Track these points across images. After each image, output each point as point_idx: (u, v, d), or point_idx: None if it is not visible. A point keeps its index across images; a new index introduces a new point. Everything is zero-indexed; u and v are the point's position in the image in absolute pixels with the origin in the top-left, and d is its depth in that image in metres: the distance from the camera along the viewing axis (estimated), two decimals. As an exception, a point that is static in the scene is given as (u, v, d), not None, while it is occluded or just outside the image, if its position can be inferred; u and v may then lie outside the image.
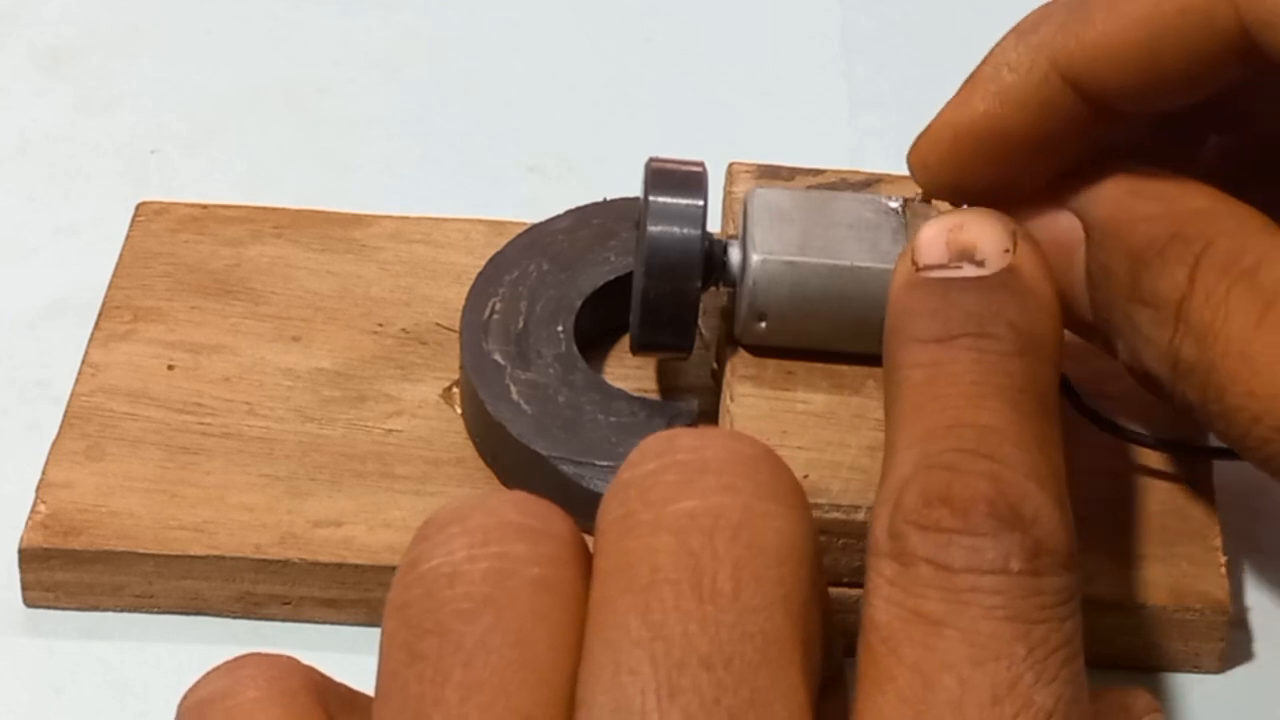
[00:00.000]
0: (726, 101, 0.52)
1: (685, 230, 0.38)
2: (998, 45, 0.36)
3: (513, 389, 0.40)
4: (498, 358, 0.40)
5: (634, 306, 0.40)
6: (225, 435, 0.40)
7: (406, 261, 0.44)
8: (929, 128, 0.36)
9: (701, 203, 0.39)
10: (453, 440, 0.41)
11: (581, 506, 0.38)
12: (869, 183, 0.43)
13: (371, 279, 0.44)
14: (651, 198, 0.39)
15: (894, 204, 0.40)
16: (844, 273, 0.39)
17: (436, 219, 0.45)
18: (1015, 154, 0.36)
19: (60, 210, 0.48)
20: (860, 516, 0.37)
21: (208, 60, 0.53)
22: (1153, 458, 0.41)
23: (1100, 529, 0.39)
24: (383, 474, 0.40)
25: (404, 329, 0.43)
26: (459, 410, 0.41)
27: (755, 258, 0.39)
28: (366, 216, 0.45)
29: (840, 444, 0.38)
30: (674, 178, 0.39)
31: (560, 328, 0.41)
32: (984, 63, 0.36)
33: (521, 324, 0.41)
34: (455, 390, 0.41)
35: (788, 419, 0.39)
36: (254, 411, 0.41)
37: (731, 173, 0.43)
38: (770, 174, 0.43)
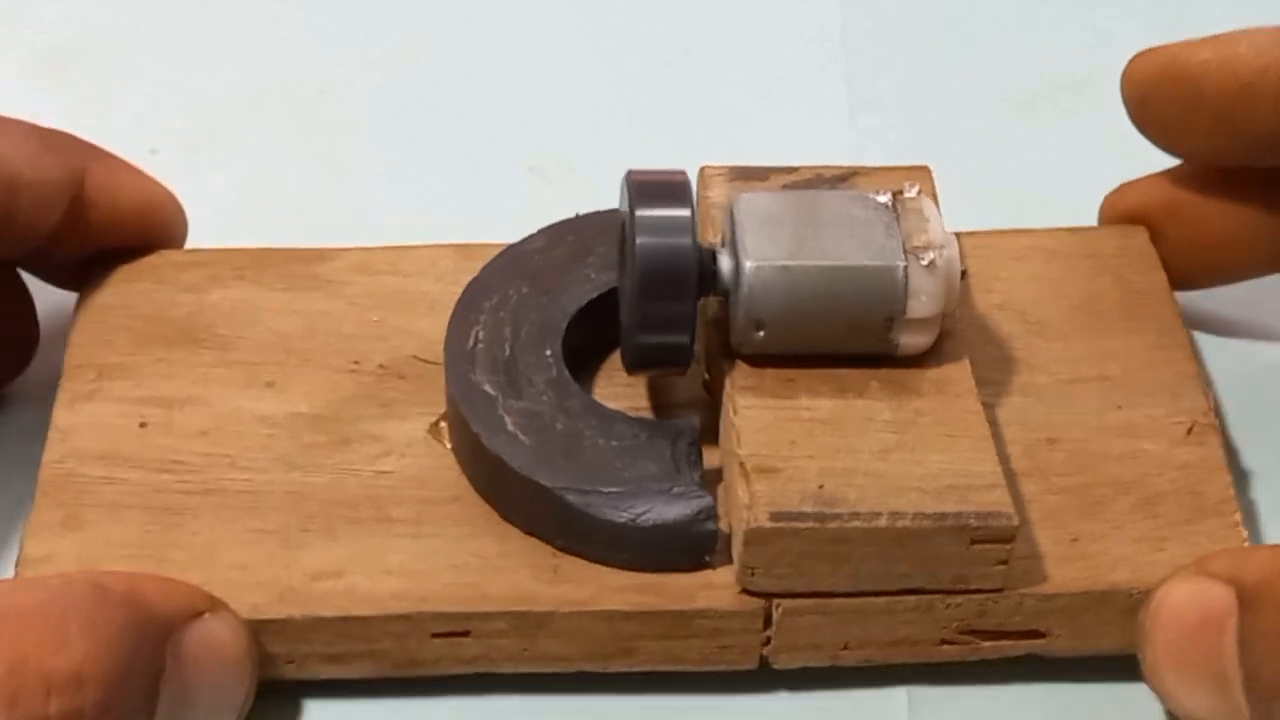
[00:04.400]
0: (726, 102, 0.52)
1: (676, 241, 0.37)
2: (1260, 28, 0.40)
3: (507, 420, 0.38)
4: (488, 388, 0.39)
5: (627, 325, 0.38)
6: (208, 492, 0.39)
7: (375, 294, 0.43)
8: (1156, 48, 0.41)
9: (689, 212, 0.37)
10: (446, 477, 0.39)
11: (590, 536, 0.37)
12: (845, 176, 0.42)
13: (341, 315, 0.42)
14: (638, 211, 0.37)
15: (883, 199, 0.39)
16: (840, 273, 0.38)
17: (401, 248, 0.44)
18: (1200, 110, 0.40)
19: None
20: (881, 523, 0.36)
21: (208, 61, 0.53)
22: (1164, 437, 0.40)
23: (1115, 514, 0.39)
24: (378, 518, 0.38)
25: (381, 364, 0.41)
26: (449, 445, 0.40)
27: (748, 265, 0.38)
28: (328, 251, 0.44)
29: (850, 450, 0.37)
30: (657, 189, 0.38)
31: (548, 352, 0.39)
32: (1237, 31, 0.40)
33: (508, 351, 0.39)
34: (443, 425, 0.40)
35: (794, 428, 0.37)
36: (235, 464, 0.39)
37: (704, 178, 0.42)
38: (743, 175, 0.42)
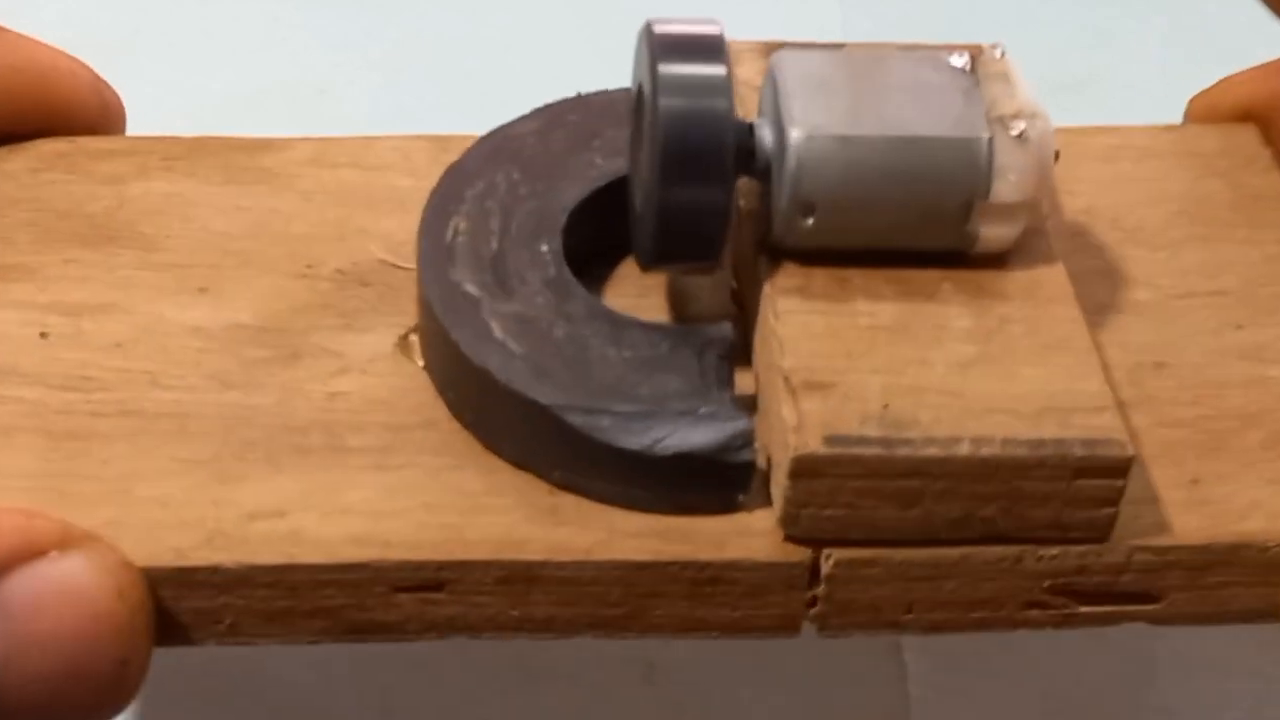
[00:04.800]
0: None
1: (710, 104, 0.30)
2: None
3: (494, 325, 0.31)
4: (470, 288, 0.31)
5: (644, 208, 0.31)
6: (124, 414, 0.31)
7: (333, 190, 0.35)
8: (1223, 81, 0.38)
9: (725, 71, 0.30)
10: (418, 399, 0.32)
11: (597, 467, 0.30)
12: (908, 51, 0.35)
13: (292, 213, 0.35)
14: (661, 68, 0.30)
15: (959, 62, 0.32)
16: (910, 146, 0.30)
17: (365, 138, 0.36)
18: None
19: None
20: (963, 450, 0.29)
21: (208, 61, 0.53)
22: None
23: (1242, 451, 0.31)
24: (333, 447, 0.31)
25: (339, 269, 0.34)
26: (420, 362, 0.32)
27: (795, 135, 0.30)
28: (277, 140, 0.36)
29: (922, 362, 0.30)
30: (687, 42, 0.31)
31: (545, 248, 0.32)
32: None
33: (495, 246, 0.32)
34: (413, 338, 0.33)
35: (851, 337, 0.30)
36: (158, 381, 0.32)
37: (731, 54, 0.35)
38: (773, 50, 0.35)
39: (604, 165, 0.34)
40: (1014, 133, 0.30)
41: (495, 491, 0.30)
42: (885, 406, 0.29)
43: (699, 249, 0.31)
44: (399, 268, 0.34)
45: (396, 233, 0.34)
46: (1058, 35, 0.54)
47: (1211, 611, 0.31)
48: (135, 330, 0.33)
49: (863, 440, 0.29)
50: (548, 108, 0.35)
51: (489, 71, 0.53)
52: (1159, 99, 0.42)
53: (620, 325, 0.31)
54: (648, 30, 0.31)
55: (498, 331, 0.31)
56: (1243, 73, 0.38)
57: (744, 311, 0.33)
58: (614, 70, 0.49)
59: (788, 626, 0.30)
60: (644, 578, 0.30)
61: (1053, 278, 0.32)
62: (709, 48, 0.31)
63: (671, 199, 0.30)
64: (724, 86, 0.30)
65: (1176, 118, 0.38)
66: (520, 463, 0.31)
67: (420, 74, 0.53)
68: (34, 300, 0.33)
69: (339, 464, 0.31)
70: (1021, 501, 0.29)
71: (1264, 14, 0.41)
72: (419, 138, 0.36)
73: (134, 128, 0.47)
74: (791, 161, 0.30)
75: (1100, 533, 0.30)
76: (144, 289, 0.33)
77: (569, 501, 0.30)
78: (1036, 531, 0.30)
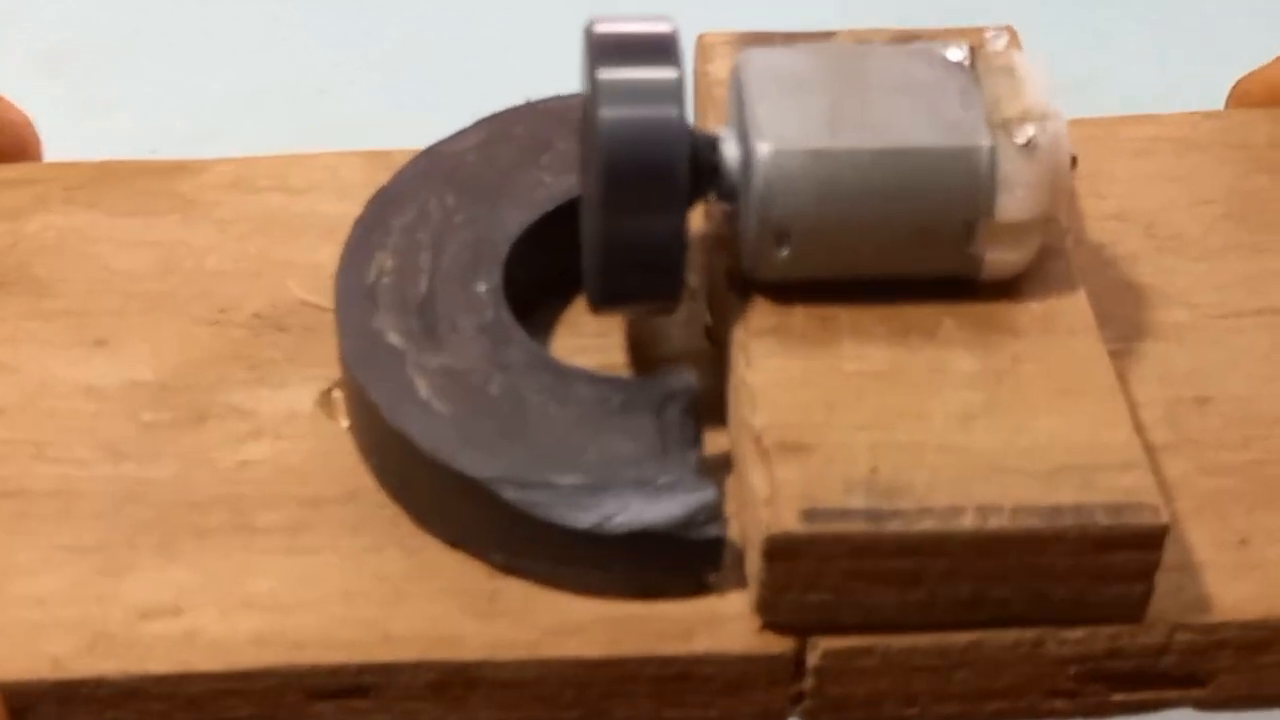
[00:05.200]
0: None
1: (658, 113, 0.25)
2: None
3: (419, 383, 0.27)
4: (393, 339, 0.27)
5: (589, 240, 0.27)
6: (3, 495, 0.27)
7: (254, 217, 0.31)
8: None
9: (676, 75, 0.26)
10: (339, 466, 0.28)
11: (541, 548, 0.26)
12: (908, 39, 0.30)
13: (206, 246, 0.31)
14: (601, 73, 0.26)
15: (958, 55, 0.27)
16: (897, 159, 0.26)
17: (292, 155, 0.32)
18: None
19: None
20: (965, 523, 0.24)
21: (208, 61, 0.53)
22: None
23: None
24: (238, 526, 0.27)
25: (256, 313, 0.30)
26: (345, 422, 0.28)
27: (763, 149, 0.26)
28: (195, 163, 0.33)
29: (918, 415, 0.26)
30: (632, 43, 0.26)
31: (483, 286, 0.28)
32: None
33: (425, 286, 0.28)
34: (336, 393, 0.29)
35: (834, 386, 0.26)
36: (44, 454, 0.28)
37: (704, 47, 0.31)
38: (760, 41, 0.30)
39: (553, 184, 0.29)
40: (1021, 140, 0.26)
41: (425, 575, 0.27)
42: (873, 470, 0.25)
43: (653, 286, 0.26)
44: (323, 309, 0.30)
45: (324, 266, 0.30)
46: (1057, 35, 0.53)
47: (1270, 694, 0.26)
48: (20, 393, 0.29)
49: (847, 513, 0.25)
50: (493, 118, 0.31)
51: (489, 72, 0.53)
52: (1159, 99, 0.39)
53: (565, 377, 0.27)
54: (588, 31, 0.26)
55: (422, 390, 0.27)
56: None
57: (721, 349, 0.28)
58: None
59: None
60: (600, 676, 0.26)
61: (1072, 307, 0.27)
62: (658, 48, 0.26)
63: (617, 228, 0.26)
64: (674, 92, 0.26)
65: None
66: (454, 541, 0.27)
67: (420, 74, 0.53)
68: None
69: (242, 547, 0.27)
70: (1039, 579, 0.25)
71: (1261, 12, 0.42)
72: (353, 154, 0.32)
73: (134, 127, 0.51)
74: (759, 181, 0.26)
75: (1134, 611, 0.25)
76: (32, 343, 0.30)
77: (510, 586, 0.26)
78: (1058, 611, 0.25)
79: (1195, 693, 0.26)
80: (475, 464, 0.26)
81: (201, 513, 0.27)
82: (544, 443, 0.26)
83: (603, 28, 0.26)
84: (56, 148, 0.46)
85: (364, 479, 0.28)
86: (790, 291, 0.27)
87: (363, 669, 0.26)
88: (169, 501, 0.27)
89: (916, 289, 0.27)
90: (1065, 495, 0.25)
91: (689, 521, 0.25)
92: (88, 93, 0.52)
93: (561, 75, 0.49)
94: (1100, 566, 0.25)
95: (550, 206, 0.29)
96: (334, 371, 0.29)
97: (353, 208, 0.30)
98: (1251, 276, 0.30)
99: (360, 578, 0.26)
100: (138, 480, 0.28)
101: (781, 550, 0.25)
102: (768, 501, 0.25)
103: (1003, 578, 0.25)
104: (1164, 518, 0.25)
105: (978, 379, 0.26)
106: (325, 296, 0.30)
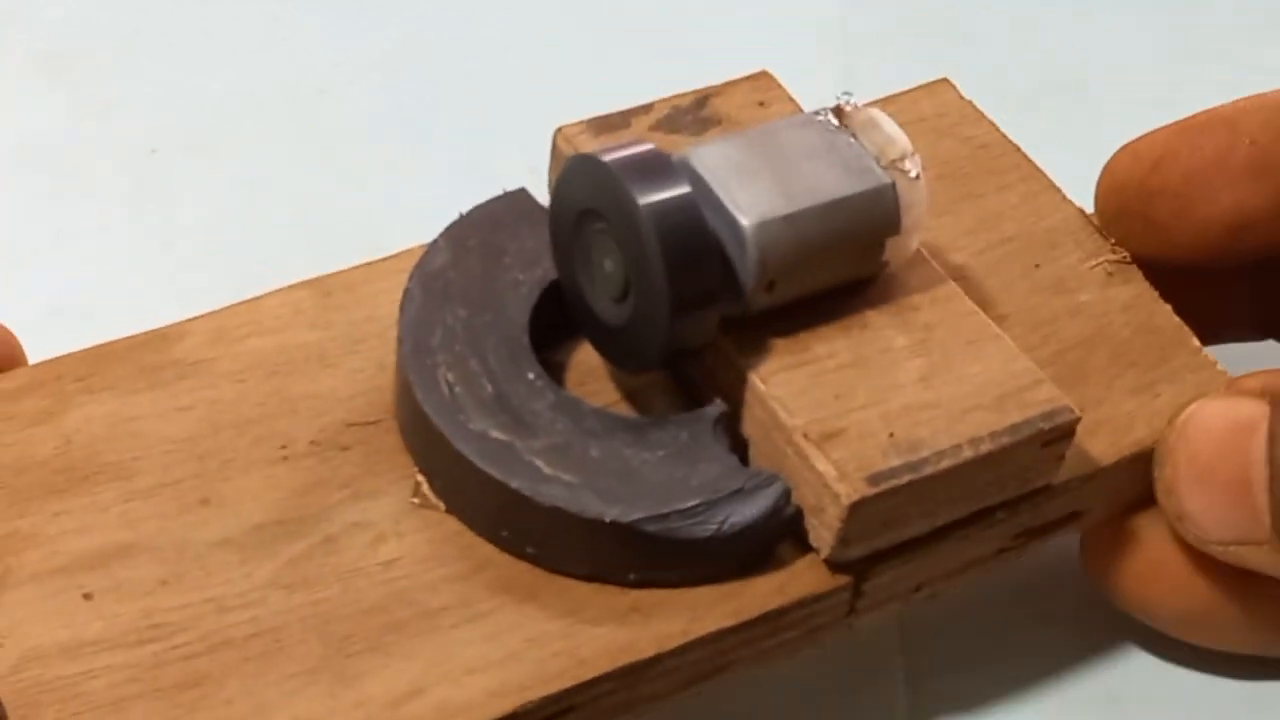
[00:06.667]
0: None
1: (690, 221, 0.33)
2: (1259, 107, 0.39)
3: (539, 464, 0.33)
4: (497, 434, 0.34)
5: (636, 317, 0.34)
6: (213, 649, 0.32)
7: (253, 363, 0.36)
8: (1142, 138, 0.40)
9: (689, 189, 0.34)
10: (460, 544, 0.34)
11: (671, 560, 0.34)
12: (700, 101, 0.39)
13: (230, 398, 0.35)
14: (640, 199, 0.33)
15: (824, 118, 0.36)
16: (837, 208, 0.35)
17: (250, 302, 0.37)
18: (1178, 192, 0.39)
19: (60, 213, 0.48)
20: (966, 454, 0.34)
21: (208, 61, 0.53)
22: (1092, 283, 0.39)
23: (1099, 373, 0.38)
24: (419, 614, 0.33)
25: (313, 441, 0.35)
26: (443, 506, 0.34)
27: (747, 223, 0.34)
28: (170, 330, 0.36)
29: (893, 386, 0.35)
30: (641, 166, 0.34)
31: (532, 375, 0.35)
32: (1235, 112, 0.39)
33: (491, 388, 0.34)
34: (421, 483, 0.34)
35: (828, 381, 0.35)
36: (224, 606, 0.32)
37: (564, 138, 0.38)
38: (604, 126, 0.38)
39: (526, 278, 0.36)
40: (912, 174, 0.35)
41: (581, 609, 0.33)
42: (891, 435, 0.34)
43: (698, 339, 0.34)
44: (367, 424, 0.35)
45: (340, 389, 0.35)
46: (1056, 35, 0.55)
47: (1113, 509, 0.37)
48: (167, 564, 0.33)
49: (894, 471, 0.33)
50: (446, 234, 0.36)
51: (489, 72, 0.53)
52: (1158, 99, 0.45)
53: (638, 429, 0.34)
54: (593, 161, 0.34)
55: (545, 469, 0.33)
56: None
57: (686, 378, 0.36)
58: (613, 70, 0.53)
59: (835, 634, 0.35)
60: (730, 640, 0.34)
61: (935, 276, 0.36)
62: (661, 167, 0.34)
63: (683, 303, 0.33)
64: (693, 200, 0.34)
65: (1174, 118, 0.40)
66: (589, 576, 0.34)
67: (420, 74, 0.53)
68: (50, 564, 0.33)
69: (433, 629, 0.33)
70: (1003, 476, 0.35)
71: (1260, 12, 0.44)
72: (298, 287, 0.37)
73: (134, 127, 0.51)
74: (750, 248, 0.34)
75: (1052, 478, 0.36)
76: (153, 519, 0.33)
77: (645, 597, 0.33)
78: (1009, 494, 0.35)
79: (1075, 524, 0.37)
80: (621, 513, 0.33)
81: (383, 613, 0.33)
82: (655, 483, 0.33)
83: (618, 158, 0.34)
84: (57, 148, 0.50)
85: (485, 549, 0.34)
86: (759, 320, 0.35)
87: (571, 691, 0.32)
88: (351, 613, 0.33)
89: (837, 294, 0.36)
90: (1013, 415, 0.34)
91: (776, 509, 0.34)
92: (88, 93, 0.51)
93: (561, 75, 0.53)
94: (1042, 456, 0.35)
95: (535, 297, 0.36)
96: (405, 471, 0.34)
97: (321, 335, 0.36)
98: (982, 219, 0.41)
99: (535, 622, 0.33)
100: (315, 604, 0.33)
101: (861, 510, 0.33)
102: (839, 478, 0.33)
103: (984, 483, 0.34)
104: (1077, 413, 0.35)
105: (913, 349, 0.35)
106: (360, 414, 0.35)
